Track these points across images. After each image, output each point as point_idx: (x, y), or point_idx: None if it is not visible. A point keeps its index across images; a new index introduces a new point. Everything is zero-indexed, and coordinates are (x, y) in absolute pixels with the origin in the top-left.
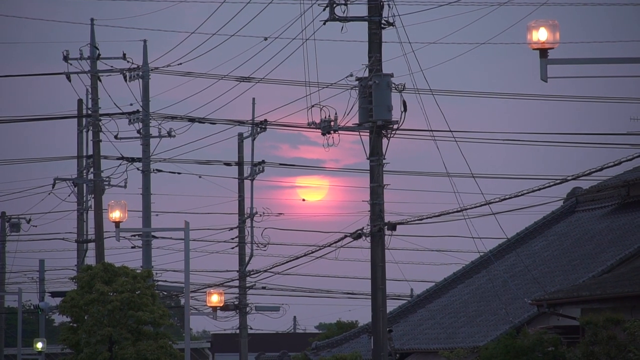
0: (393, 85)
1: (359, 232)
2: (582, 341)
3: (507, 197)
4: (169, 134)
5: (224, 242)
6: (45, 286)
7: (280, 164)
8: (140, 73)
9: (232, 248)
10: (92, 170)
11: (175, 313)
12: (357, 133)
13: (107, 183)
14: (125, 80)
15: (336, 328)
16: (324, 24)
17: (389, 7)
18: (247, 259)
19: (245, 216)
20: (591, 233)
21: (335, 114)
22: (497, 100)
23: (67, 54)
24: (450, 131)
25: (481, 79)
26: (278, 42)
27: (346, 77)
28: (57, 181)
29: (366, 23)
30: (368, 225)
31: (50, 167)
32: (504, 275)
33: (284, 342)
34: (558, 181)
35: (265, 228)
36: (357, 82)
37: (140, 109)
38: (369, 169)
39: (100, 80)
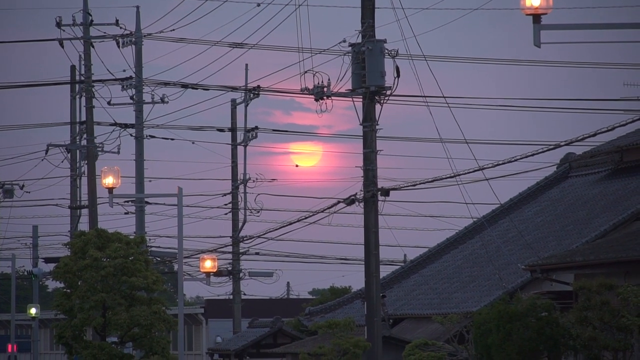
0: (386, 51)
1: (352, 197)
2: (575, 306)
3: (500, 162)
4: (162, 100)
5: (217, 208)
6: (39, 252)
7: (274, 130)
8: (133, 39)
9: (226, 214)
10: (85, 136)
11: (168, 279)
12: (350, 99)
13: (100, 149)
14: (118, 47)
15: (329, 294)
16: None
17: None
18: (240, 224)
19: (239, 182)
20: (584, 199)
21: (329, 80)
22: (490, 66)
23: (60, 20)
24: (444, 97)
25: (475, 44)
26: (271, 7)
27: (339, 43)
28: (50, 147)
29: None
30: (361, 190)
31: (43, 134)
32: (497, 241)
33: (277, 307)
34: (551, 147)
35: (259, 194)
36: (350, 48)
37: (133, 75)
38: (362, 134)
39: (93, 47)
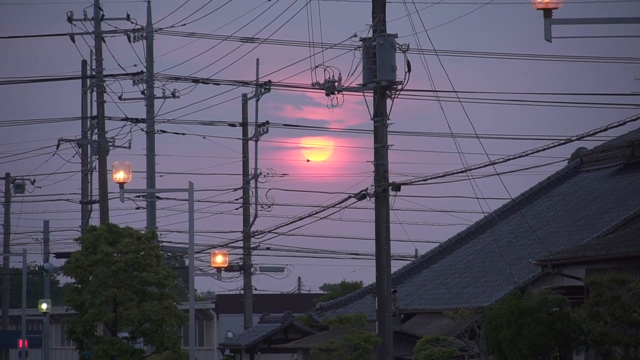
0: (397, 45)
1: (363, 192)
2: (586, 301)
3: (511, 157)
4: (173, 95)
5: (228, 203)
6: (50, 247)
7: (285, 125)
8: (144, 34)
9: (237, 209)
10: (96, 131)
11: (179, 274)
12: (361, 94)
13: (111, 144)
14: (129, 41)
15: (340, 289)
16: None
17: None
18: (251, 219)
19: (250, 177)
20: (595, 193)
21: (339, 74)
22: (501, 60)
23: (71, 15)
24: (455, 91)
25: (486, 39)
26: (282, 2)
27: (350, 37)
28: (61, 142)
29: None
30: (372, 185)
31: (54, 128)
32: (508, 236)
33: (288, 302)
34: (562, 141)
35: (270, 189)
36: (361, 42)
37: (144, 70)
38: (373, 129)
39: (104, 41)
